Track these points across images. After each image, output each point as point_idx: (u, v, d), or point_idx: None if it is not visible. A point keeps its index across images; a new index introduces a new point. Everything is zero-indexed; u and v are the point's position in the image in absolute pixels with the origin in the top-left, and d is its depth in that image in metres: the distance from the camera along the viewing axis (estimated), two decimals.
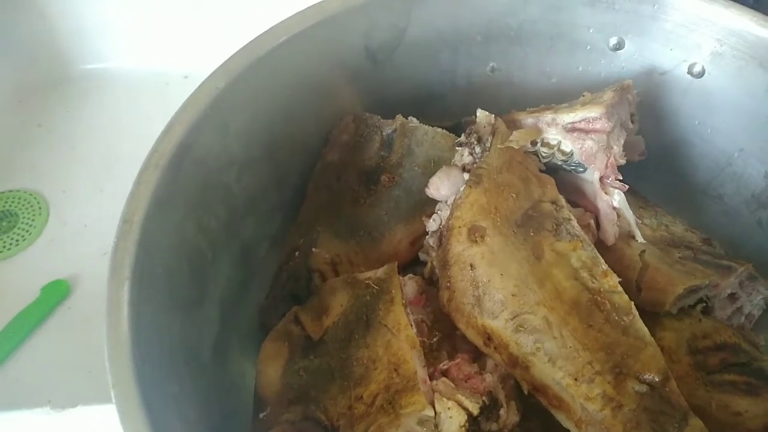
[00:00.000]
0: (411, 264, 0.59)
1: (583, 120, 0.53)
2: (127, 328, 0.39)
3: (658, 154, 0.64)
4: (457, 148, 0.56)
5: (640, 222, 0.58)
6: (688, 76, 0.60)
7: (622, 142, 0.55)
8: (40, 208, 0.79)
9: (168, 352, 0.45)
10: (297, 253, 0.59)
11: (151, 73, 0.91)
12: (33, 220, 0.78)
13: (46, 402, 0.58)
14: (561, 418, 0.44)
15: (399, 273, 0.54)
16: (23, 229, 0.77)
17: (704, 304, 0.54)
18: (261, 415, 0.48)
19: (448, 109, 0.68)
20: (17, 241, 0.76)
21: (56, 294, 0.70)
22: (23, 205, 0.79)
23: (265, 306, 0.59)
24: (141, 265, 0.43)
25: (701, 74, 0.59)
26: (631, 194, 0.63)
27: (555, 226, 0.50)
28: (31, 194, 0.80)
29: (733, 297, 0.56)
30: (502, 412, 0.46)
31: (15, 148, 0.86)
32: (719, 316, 0.55)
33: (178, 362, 0.47)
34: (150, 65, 0.92)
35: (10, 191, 0.81)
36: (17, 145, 0.87)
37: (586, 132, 0.53)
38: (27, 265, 0.74)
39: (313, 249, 0.58)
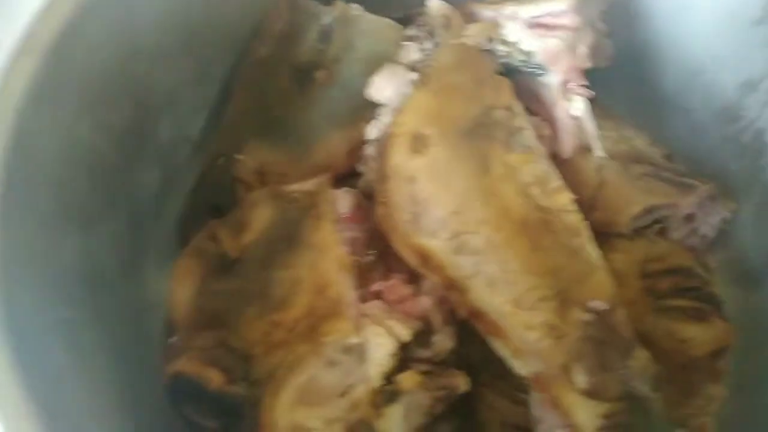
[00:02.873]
0: (349, 176, 0.52)
1: (547, 14, 0.46)
2: None
3: (626, 59, 0.57)
4: (404, 43, 0.49)
5: (600, 134, 0.53)
6: None
7: (590, 43, 0.49)
8: None
9: (58, 273, 0.39)
10: (220, 160, 0.53)
11: None
12: None
13: None
14: (498, 346, 0.40)
15: (334, 185, 0.48)
16: None
17: (659, 225, 0.50)
18: (171, 340, 0.43)
19: (407, 1, 0.60)
20: None
21: None
22: None
23: (185, 218, 0.53)
24: (16, 170, 0.36)
25: None
26: (593, 103, 0.58)
27: (507, 136, 0.44)
28: None
29: (690, 217, 0.52)
30: (435, 338, 0.42)
31: None
32: (674, 237, 0.52)
33: (73, 283, 0.41)
34: None
35: None
36: None
37: (550, 28, 0.47)
38: None
39: (238, 156, 0.52)
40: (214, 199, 0.52)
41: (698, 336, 0.45)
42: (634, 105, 0.59)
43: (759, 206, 0.54)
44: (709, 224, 0.54)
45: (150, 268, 0.51)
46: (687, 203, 0.50)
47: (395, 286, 0.45)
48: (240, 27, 0.55)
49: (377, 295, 0.44)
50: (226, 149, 0.53)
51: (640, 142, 0.56)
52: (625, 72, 0.58)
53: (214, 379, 0.40)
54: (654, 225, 0.50)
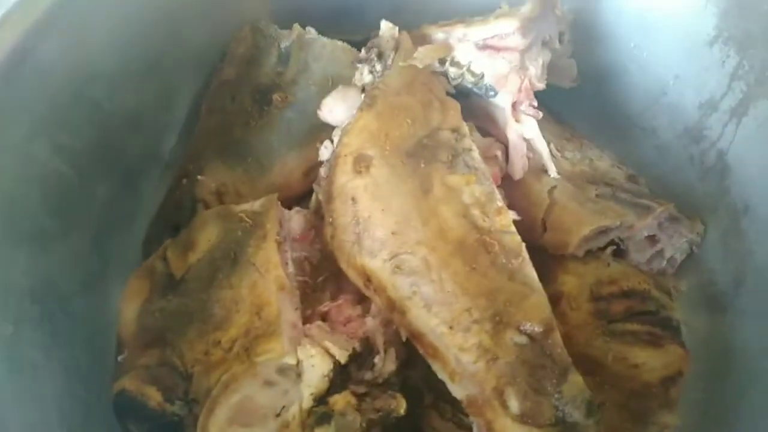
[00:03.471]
0: (306, 197, 0.53)
1: (495, 35, 0.47)
2: None
3: (591, 80, 0.57)
4: (357, 65, 0.50)
5: (560, 155, 0.53)
6: None
7: (542, 62, 0.49)
8: None
9: (1, 289, 0.40)
10: (185, 181, 0.54)
11: None
12: None
13: None
14: (436, 368, 0.40)
15: (289, 206, 0.49)
16: None
17: (615, 247, 0.49)
18: (119, 358, 0.44)
19: (369, 24, 0.61)
20: None
21: None
22: None
23: (149, 237, 0.54)
24: None
25: None
26: (557, 123, 0.58)
27: (451, 157, 0.44)
28: None
29: (652, 239, 0.52)
30: (377, 359, 0.42)
31: None
32: (635, 260, 0.51)
33: (21, 300, 0.42)
34: None
35: None
36: None
37: (498, 50, 0.47)
38: None
39: (199, 177, 0.52)
40: (176, 220, 0.52)
41: (650, 361, 0.44)
42: (599, 125, 0.59)
43: (725, 229, 0.53)
44: (674, 246, 0.53)
45: (114, 287, 0.51)
46: (644, 224, 0.49)
47: (342, 306, 0.45)
48: (206, 50, 0.57)
49: (323, 316, 0.45)
50: (190, 170, 0.53)
51: (604, 164, 0.56)
52: (590, 92, 0.58)
53: (153, 397, 0.40)
54: (609, 247, 0.49)
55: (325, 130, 0.50)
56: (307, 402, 0.38)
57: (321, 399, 0.38)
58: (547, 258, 0.47)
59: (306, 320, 0.43)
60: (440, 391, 0.42)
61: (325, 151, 0.49)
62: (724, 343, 0.51)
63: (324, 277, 0.47)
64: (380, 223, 0.41)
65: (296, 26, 0.54)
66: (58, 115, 0.46)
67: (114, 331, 0.49)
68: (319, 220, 0.49)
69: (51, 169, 0.46)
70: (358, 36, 0.57)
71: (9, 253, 0.42)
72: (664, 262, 0.53)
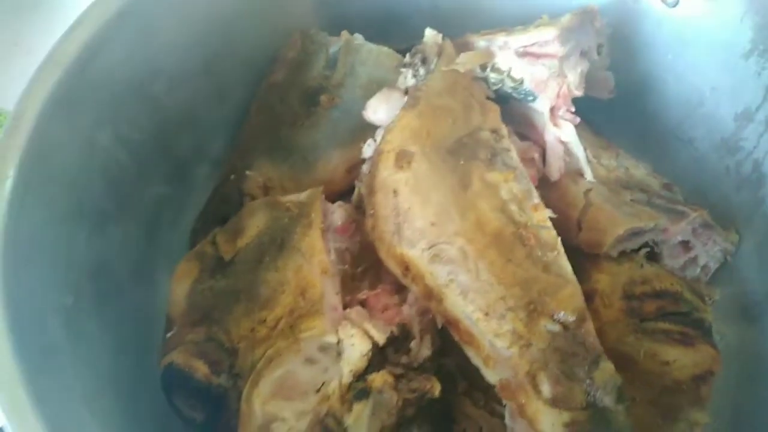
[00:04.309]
0: (348, 193, 0.55)
1: (535, 43, 0.49)
2: (3, 226, 0.37)
3: (628, 92, 0.59)
4: (401, 69, 0.52)
5: (596, 161, 0.55)
6: (662, 5, 0.54)
7: (580, 71, 0.51)
8: None
9: (64, 262, 0.43)
10: (233, 176, 0.57)
11: None
12: None
13: None
14: (471, 354, 0.41)
15: (333, 200, 0.51)
16: None
17: (649, 249, 0.50)
18: (168, 335, 0.46)
19: (414, 33, 0.63)
20: None
21: None
22: None
23: (196, 228, 0.57)
24: (30, 166, 0.40)
25: (675, 3, 0.53)
26: (593, 133, 0.59)
27: (490, 156, 0.46)
28: (2, 114, 0.77)
29: (686, 245, 0.52)
30: (413, 344, 0.43)
31: None
32: (669, 265, 0.52)
33: (80, 275, 0.45)
34: None
35: None
36: None
37: (537, 56, 0.49)
38: None
39: (247, 172, 0.55)
40: (224, 212, 0.55)
41: (682, 359, 0.45)
42: (636, 136, 0.61)
43: (760, 240, 0.54)
44: (708, 254, 0.54)
45: (161, 274, 0.54)
46: (677, 229, 0.50)
47: (380, 295, 0.47)
48: (257, 53, 0.60)
49: (362, 303, 0.46)
50: (238, 166, 0.56)
51: (639, 172, 0.57)
52: (627, 104, 0.59)
53: (201, 369, 0.42)
54: (642, 249, 0.50)
55: (368, 130, 0.53)
56: (347, 378, 0.39)
57: (360, 376, 0.40)
58: (581, 257, 0.48)
59: (345, 306, 0.45)
60: (474, 378, 0.44)
61: (368, 149, 0.51)
62: (755, 352, 0.52)
63: (363, 268, 0.49)
64: (420, 214, 0.43)
65: (345, 33, 0.57)
66: (122, 107, 0.49)
67: (159, 314, 0.52)
68: (359, 214, 0.51)
69: (112, 157, 0.49)
70: (402, 44, 0.60)
71: (72, 230, 0.45)
72: (698, 270, 0.54)
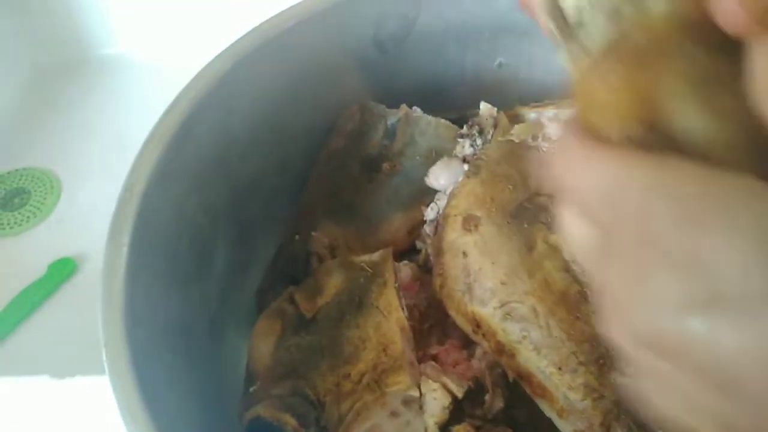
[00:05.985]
0: (408, 252, 0.59)
1: None
2: (122, 291, 0.41)
3: None
4: (458, 139, 0.57)
5: None
6: None
7: None
8: (52, 186, 0.80)
9: (162, 320, 0.46)
10: (297, 237, 0.60)
11: (165, 61, 0.93)
12: (45, 198, 0.79)
13: (46, 371, 0.60)
14: (544, 407, 0.44)
15: (394, 259, 0.55)
16: (35, 207, 0.78)
17: None
18: (251, 389, 0.49)
19: (455, 103, 0.69)
20: (28, 218, 0.77)
21: (63, 271, 0.71)
22: (36, 183, 0.81)
23: (263, 288, 0.60)
24: (140, 233, 0.44)
25: None
26: None
27: (550, 219, 0.50)
28: (44, 173, 0.82)
29: None
30: (487, 397, 0.46)
31: (31, 127, 0.88)
32: None
33: (173, 332, 0.48)
34: (165, 53, 0.94)
35: (25, 169, 0.82)
36: (33, 124, 0.89)
37: None
38: (36, 242, 0.75)
39: (313, 233, 0.59)
40: (291, 271, 0.59)
41: None
42: None
43: None
44: None
45: (231, 330, 0.58)
46: None
47: (450, 350, 0.50)
48: (318, 125, 0.65)
49: (433, 358, 0.50)
50: (303, 227, 0.60)
51: None
52: None
53: (289, 422, 0.45)
54: None
55: (427, 194, 0.58)
56: (433, 430, 0.42)
57: (443, 428, 0.43)
58: None
59: (419, 361, 0.48)
60: (544, 430, 0.46)
61: (430, 212, 0.55)
62: None
63: (430, 324, 0.52)
64: (490, 274, 0.47)
65: (404, 106, 0.62)
66: (206, 175, 0.54)
67: (231, 369, 0.55)
68: (424, 272, 0.55)
69: (195, 221, 0.53)
70: (450, 114, 0.65)
71: (166, 292, 0.48)
72: None
